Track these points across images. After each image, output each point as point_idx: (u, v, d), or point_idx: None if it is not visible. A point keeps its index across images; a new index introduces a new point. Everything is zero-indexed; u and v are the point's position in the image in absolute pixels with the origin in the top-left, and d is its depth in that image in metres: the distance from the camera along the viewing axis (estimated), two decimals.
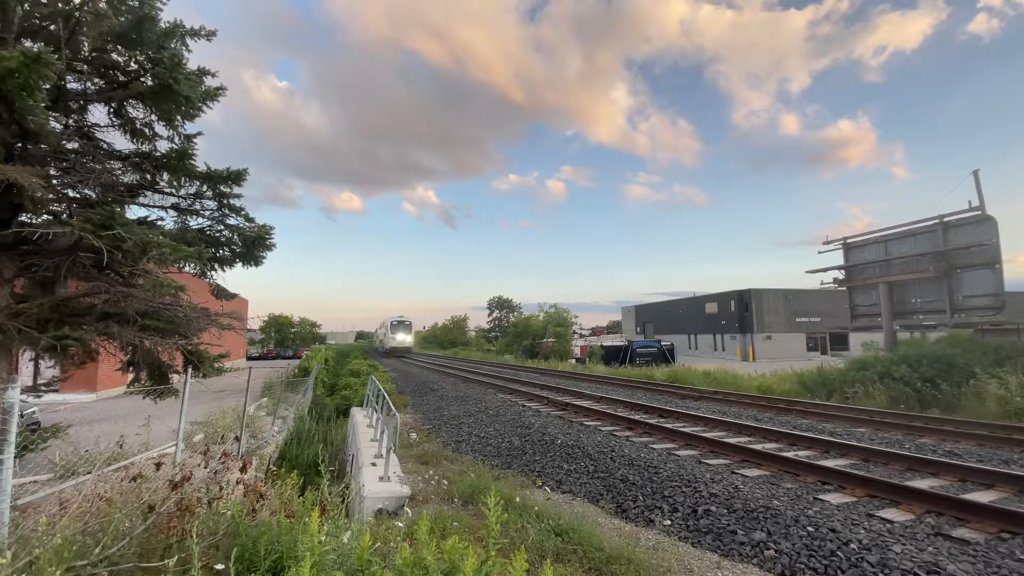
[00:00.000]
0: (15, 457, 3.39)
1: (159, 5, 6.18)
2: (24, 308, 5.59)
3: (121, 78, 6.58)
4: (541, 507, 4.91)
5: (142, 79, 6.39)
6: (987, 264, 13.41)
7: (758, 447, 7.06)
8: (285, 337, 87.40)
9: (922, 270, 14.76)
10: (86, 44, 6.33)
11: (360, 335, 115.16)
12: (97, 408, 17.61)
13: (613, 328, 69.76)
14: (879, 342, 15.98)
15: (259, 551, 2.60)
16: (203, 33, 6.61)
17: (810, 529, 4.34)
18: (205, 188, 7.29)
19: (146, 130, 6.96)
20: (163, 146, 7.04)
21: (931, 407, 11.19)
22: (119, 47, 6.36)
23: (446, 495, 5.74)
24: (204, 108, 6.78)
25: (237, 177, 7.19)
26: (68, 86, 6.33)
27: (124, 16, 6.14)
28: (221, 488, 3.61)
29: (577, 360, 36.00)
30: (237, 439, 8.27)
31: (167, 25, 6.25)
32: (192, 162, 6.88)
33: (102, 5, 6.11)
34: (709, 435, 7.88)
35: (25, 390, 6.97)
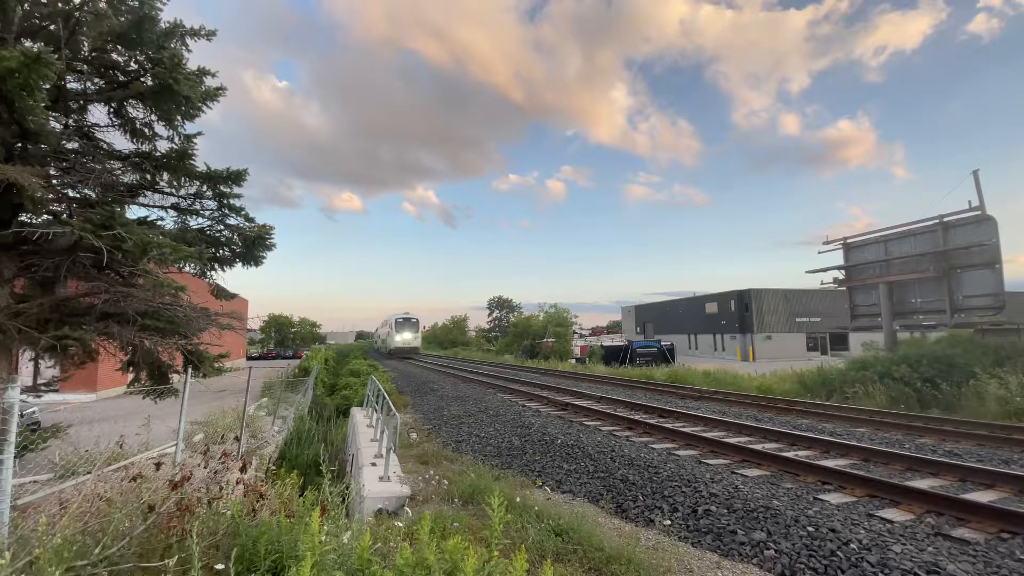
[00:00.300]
0: (15, 457, 3.39)
1: (159, 5, 6.18)
2: (24, 308, 5.59)
3: (121, 78, 6.58)
4: (541, 507, 4.91)
5: (142, 79, 6.39)
6: (987, 264, 13.41)
7: (758, 447, 7.06)
8: (285, 337, 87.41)
9: (922, 270, 14.76)
10: (86, 44, 6.33)
11: (360, 335, 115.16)
12: (97, 408, 17.62)
13: (613, 328, 69.77)
14: (879, 342, 15.98)
15: (259, 551, 2.60)
16: (203, 33, 6.61)
17: (810, 529, 4.34)
18: (205, 188, 7.29)
19: (146, 130, 6.96)
20: (163, 146, 7.04)
21: (931, 407, 11.19)
22: (119, 47, 6.36)
23: (446, 495, 5.74)
24: (204, 108, 6.79)
25: (237, 177, 7.19)
26: (68, 86, 6.33)
27: (124, 16, 6.14)
28: (221, 488, 3.61)
29: (577, 360, 36.00)
30: (237, 439, 8.27)
31: (167, 25, 6.25)
32: (192, 162, 6.88)
33: (102, 5, 6.12)
34: (709, 435, 7.88)
35: (25, 390, 6.97)
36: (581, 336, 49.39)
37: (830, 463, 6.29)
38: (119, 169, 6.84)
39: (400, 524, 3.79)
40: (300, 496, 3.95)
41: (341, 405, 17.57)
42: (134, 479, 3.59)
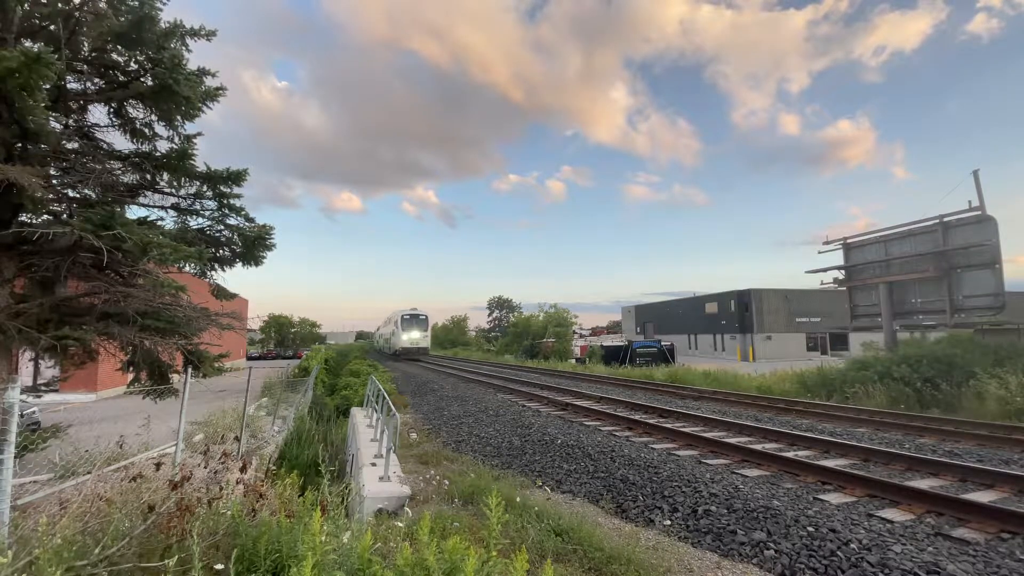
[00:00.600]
0: (15, 457, 3.39)
1: (159, 5, 6.18)
2: (24, 308, 5.59)
3: (121, 78, 6.58)
4: (541, 507, 4.91)
5: (142, 79, 6.39)
6: (987, 264, 13.41)
7: (758, 447, 7.06)
8: (285, 337, 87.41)
9: (922, 270, 14.76)
10: (86, 44, 6.33)
11: (360, 335, 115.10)
12: (97, 408, 17.62)
13: (613, 328, 69.73)
14: (879, 342, 15.97)
15: (259, 551, 2.60)
16: (203, 33, 6.61)
17: (810, 529, 4.34)
18: (205, 188, 7.30)
19: (146, 130, 6.96)
20: (163, 146, 7.05)
21: (931, 407, 11.19)
22: (119, 47, 6.37)
23: (446, 495, 5.75)
24: (204, 108, 6.79)
25: (237, 177, 7.19)
26: (68, 86, 6.33)
27: (124, 16, 6.14)
28: (221, 488, 3.61)
29: (577, 360, 36.00)
30: (237, 439, 8.27)
31: (167, 25, 6.25)
32: (192, 162, 6.88)
33: (102, 5, 6.12)
34: (709, 435, 7.88)
35: (25, 390, 6.97)
36: (581, 336, 49.34)
37: (830, 463, 6.29)
38: (119, 169, 6.85)
39: (400, 524, 3.79)
40: (300, 496, 3.96)
41: (341, 405, 17.58)
42: (134, 479, 3.59)
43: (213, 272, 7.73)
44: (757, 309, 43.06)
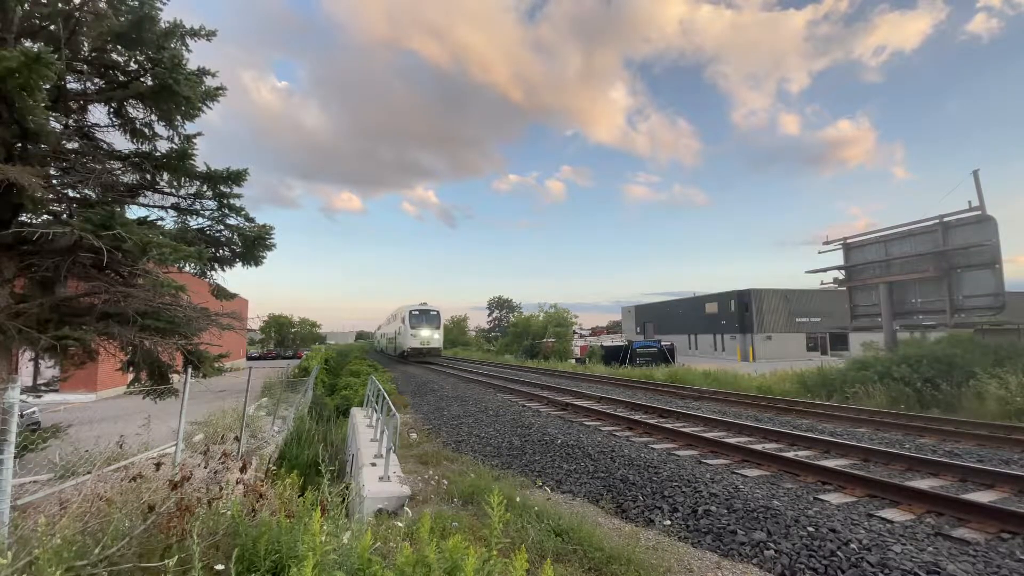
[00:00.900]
0: (15, 457, 3.39)
1: (159, 5, 6.19)
2: (24, 308, 5.59)
3: (121, 78, 6.58)
4: (541, 507, 4.91)
5: (142, 79, 6.39)
6: (987, 264, 13.41)
7: (758, 447, 7.06)
8: (285, 337, 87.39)
9: (922, 270, 14.76)
10: (86, 44, 6.33)
11: (360, 335, 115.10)
12: (97, 408, 17.62)
13: (613, 328, 69.73)
14: (879, 342, 15.97)
15: (259, 551, 2.60)
16: (203, 33, 6.62)
17: (810, 529, 4.34)
18: (205, 188, 7.30)
19: (146, 130, 6.97)
20: (163, 146, 7.05)
21: (931, 407, 11.19)
22: (119, 47, 6.37)
23: (446, 495, 5.74)
24: (204, 108, 6.79)
25: (237, 177, 7.19)
26: (68, 86, 6.34)
27: (124, 16, 6.14)
28: (221, 488, 3.61)
29: (577, 360, 36.00)
30: (237, 439, 8.27)
31: (167, 25, 6.25)
32: (192, 162, 6.88)
33: (102, 5, 6.12)
34: (709, 435, 7.88)
35: (25, 390, 6.97)
36: (581, 336, 49.32)
37: (830, 463, 6.29)
38: (119, 169, 6.85)
39: (400, 524, 3.79)
40: (300, 496, 3.95)
41: (341, 405, 17.57)
42: (134, 479, 3.59)
43: (213, 272, 7.73)
44: (757, 309, 43.07)
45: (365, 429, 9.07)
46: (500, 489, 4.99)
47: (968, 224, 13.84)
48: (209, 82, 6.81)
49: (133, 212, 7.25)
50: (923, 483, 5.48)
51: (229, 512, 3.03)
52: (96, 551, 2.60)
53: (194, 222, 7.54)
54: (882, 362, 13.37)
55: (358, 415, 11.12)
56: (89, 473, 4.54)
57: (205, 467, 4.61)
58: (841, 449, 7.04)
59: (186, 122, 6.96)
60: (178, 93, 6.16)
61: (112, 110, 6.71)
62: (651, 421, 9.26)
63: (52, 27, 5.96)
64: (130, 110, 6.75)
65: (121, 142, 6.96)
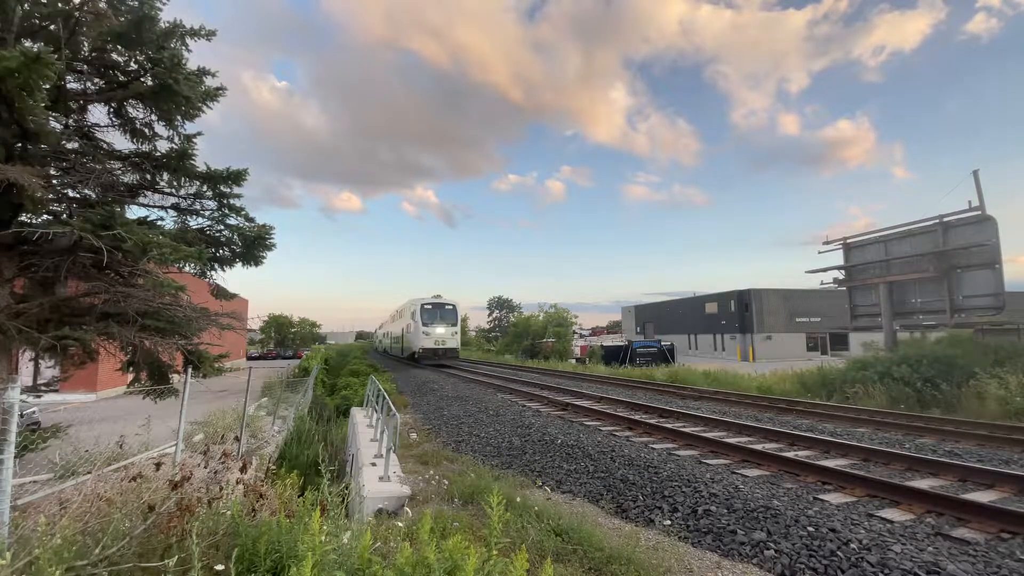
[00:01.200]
0: (15, 457, 3.39)
1: (159, 5, 6.19)
2: (24, 308, 5.59)
3: (121, 78, 6.58)
4: (541, 507, 4.91)
5: (142, 79, 6.39)
6: (987, 264, 13.41)
7: (758, 447, 7.06)
8: (285, 337, 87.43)
9: (922, 270, 14.75)
10: (86, 44, 6.34)
11: (360, 335, 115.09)
12: (97, 408, 17.62)
13: (613, 328, 69.77)
14: (879, 342, 15.97)
15: (259, 551, 2.60)
16: (203, 33, 6.62)
17: (810, 529, 4.34)
18: (205, 188, 7.31)
19: (146, 130, 6.97)
20: (163, 146, 7.06)
21: (931, 407, 11.18)
22: (119, 47, 6.37)
23: (446, 495, 5.74)
24: (204, 108, 6.80)
25: (237, 177, 7.20)
26: (68, 86, 6.34)
27: (124, 16, 6.15)
28: (221, 488, 3.61)
29: (577, 360, 36.01)
30: (237, 439, 8.27)
31: (167, 25, 6.26)
32: (192, 162, 6.89)
33: (102, 5, 6.12)
34: (709, 435, 7.88)
35: (25, 390, 6.97)
36: (581, 336, 49.34)
37: (830, 463, 6.29)
38: (119, 169, 6.85)
39: (400, 524, 3.79)
40: (300, 496, 3.95)
41: (341, 405, 17.57)
42: (134, 479, 3.59)
43: (213, 272, 7.74)
44: (757, 309, 43.07)
45: (365, 429, 9.07)
46: (500, 489, 4.99)
47: (968, 224, 13.83)
48: (209, 82, 6.81)
49: (133, 212, 7.27)
50: (923, 483, 5.47)
51: (229, 512, 3.03)
52: (96, 551, 2.60)
53: (194, 222, 7.54)
54: (882, 362, 13.37)
55: (358, 415, 11.12)
56: (89, 473, 4.54)
57: (205, 467, 4.61)
58: (841, 449, 7.04)
59: (186, 122, 6.97)
60: (178, 93, 6.17)
61: (112, 110, 6.71)
62: (651, 421, 9.26)
63: (52, 27, 5.96)
64: (130, 110, 6.75)
65: (121, 142, 6.98)
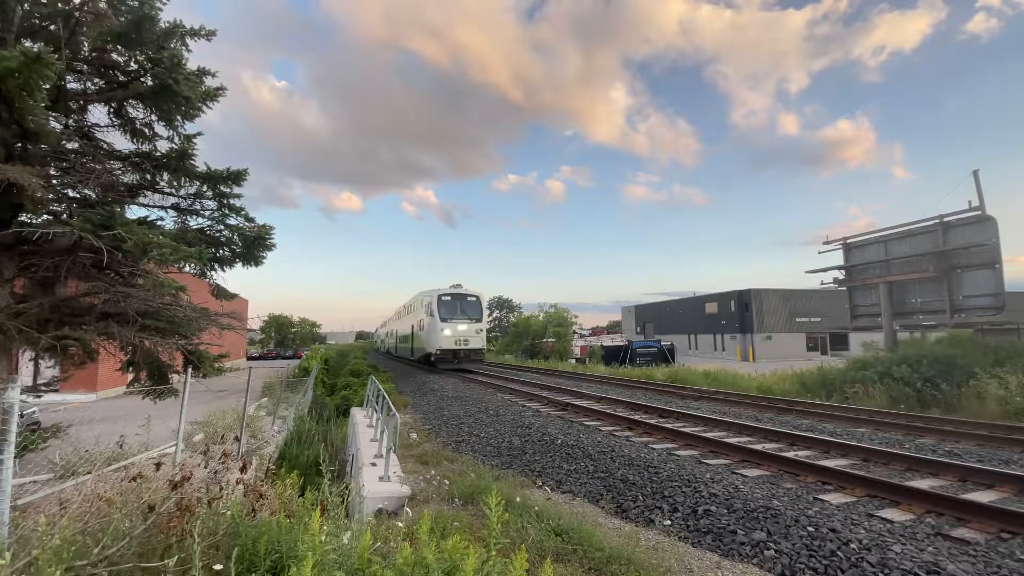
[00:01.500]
0: (15, 457, 3.39)
1: (159, 5, 6.19)
2: (24, 308, 5.59)
3: (121, 78, 6.58)
4: (541, 507, 4.91)
5: (142, 79, 6.39)
6: (987, 264, 13.41)
7: (758, 447, 7.06)
8: (285, 337, 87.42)
9: (922, 270, 14.75)
10: (86, 44, 6.34)
11: (360, 335, 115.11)
12: (97, 408, 17.62)
13: (613, 328, 69.76)
14: (879, 342, 15.97)
15: (259, 551, 2.60)
16: (203, 33, 6.62)
17: (810, 529, 4.34)
18: (205, 188, 7.31)
19: (146, 130, 6.97)
20: (163, 146, 7.06)
21: (931, 407, 11.18)
22: (119, 47, 6.37)
23: (446, 495, 5.74)
24: (204, 108, 6.80)
25: (237, 177, 7.20)
26: (68, 86, 6.34)
27: (124, 16, 6.15)
28: (221, 488, 3.61)
29: (577, 360, 36.00)
30: (237, 439, 8.27)
31: (167, 25, 6.26)
32: (192, 162, 6.89)
33: (102, 5, 6.12)
34: (709, 435, 7.88)
35: (25, 390, 6.97)
36: (581, 336, 49.31)
37: (830, 463, 6.29)
38: (119, 169, 6.85)
39: (400, 524, 3.79)
40: (300, 496, 3.96)
41: (341, 405, 17.57)
42: (134, 479, 3.59)
43: (213, 272, 7.74)
44: (757, 309, 43.07)
45: (365, 429, 9.07)
46: (500, 489, 5.00)
47: (968, 224, 13.83)
48: (209, 82, 6.81)
49: (133, 212, 7.27)
50: (923, 483, 5.47)
51: (229, 512, 3.03)
52: (96, 551, 2.60)
53: (194, 222, 7.54)
54: (882, 362, 13.36)
55: (358, 415, 11.12)
56: (89, 473, 4.54)
57: (205, 467, 4.60)
58: (841, 449, 7.04)
59: (186, 122, 6.97)
60: (178, 93, 6.17)
61: (112, 110, 6.71)
62: (651, 421, 9.26)
63: (52, 27, 5.96)
64: (130, 110, 6.75)
65: (121, 142, 6.98)
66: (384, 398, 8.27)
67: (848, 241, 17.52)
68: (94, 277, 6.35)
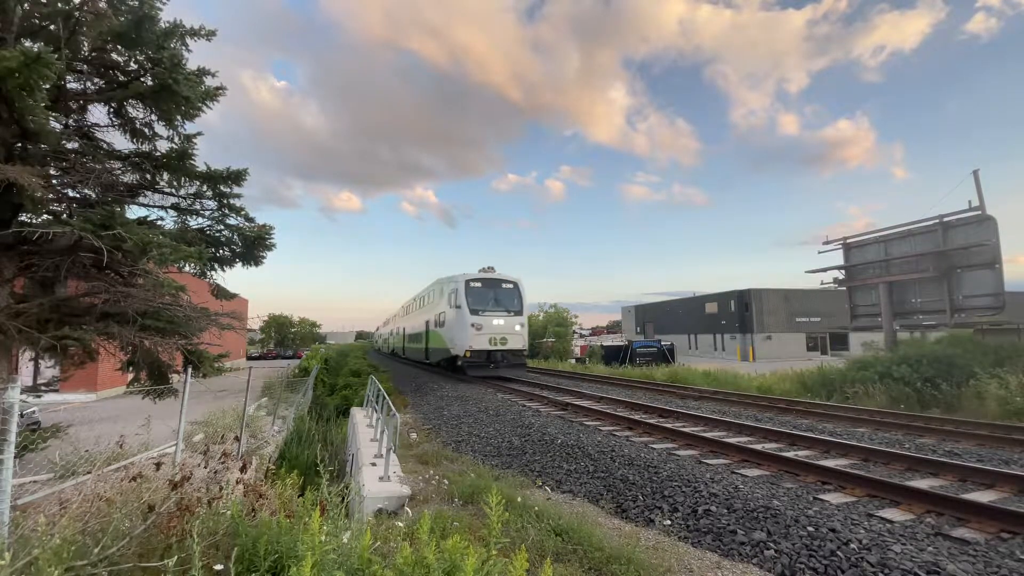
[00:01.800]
0: (15, 457, 3.39)
1: (159, 5, 6.19)
2: (24, 308, 5.59)
3: (121, 78, 6.58)
4: (541, 507, 4.91)
5: (142, 79, 6.39)
6: (987, 264, 13.41)
7: (758, 447, 7.06)
8: (285, 337, 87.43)
9: (922, 270, 14.75)
10: (86, 44, 6.33)
11: (360, 335, 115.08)
12: (97, 408, 17.62)
13: (613, 328, 69.76)
14: (879, 342, 15.97)
15: (259, 551, 2.60)
16: (203, 33, 6.62)
17: (810, 529, 4.33)
18: (205, 188, 7.31)
19: (146, 130, 6.97)
20: (163, 146, 7.06)
21: (931, 407, 11.19)
22: (119, 47, 6.37)
23: (446, 495, 5.74)
24: (204, 108, 6.79)
25: (237, 177, 7.20)
26: (68, 86, 6.34)
27: (124, 16, 6.14)
28: (221, 488, 3.61)
29: (577, 360, 36.00)
30: (237, 439, 8.27)
31: (167, 25, 6.25)
32: (192, 162, 6.89)
33: (102, 5, 6.12)
34: (709, 435, 7.88)
35: (25, 390, 6.97)
36: (581, 336, 49.31)
37: (830, 463, 6.29)
38: (119, 169, 6.85)
39: (400, 524, 3.79)
40: (300, 496, 3.96)
41: (341, 405, 17.57)
42: (134, 479, 3.59)
43: (213, 272, 7.74)
44: (757, 309, 43.06)
45: (365, 429, 9.07)
46: (500, 489, 4.99)
47: (968, 224, 13.83)
48: (209, 82, 6.81)
49: (133, 212, 7.27)
50: (923, 483, 5.47)
51: (229, 512, 3.03)
52: (96, 551, 2.60)
53: (194, 222, 7.54)
54: (882, 362, 13.37)
55: (358, 415, 11.12)
56: (89, 473, 4.54)
57: (205, 467, 4.61)
58: (841, 449, 7.04)
59: (186, 122, 6.96)
60: (178, 93, 6.17)
61: (112, 110, 6.71)
62: (651, 421, 9.26)
63: (52, 27, 5.96)
64: (130, 110, 6.75)
65: (121, 142, 6.98)
66: (384, 398, 8.27)
67: (848, 241, 17.52)
68: (94, 277, 6.35)
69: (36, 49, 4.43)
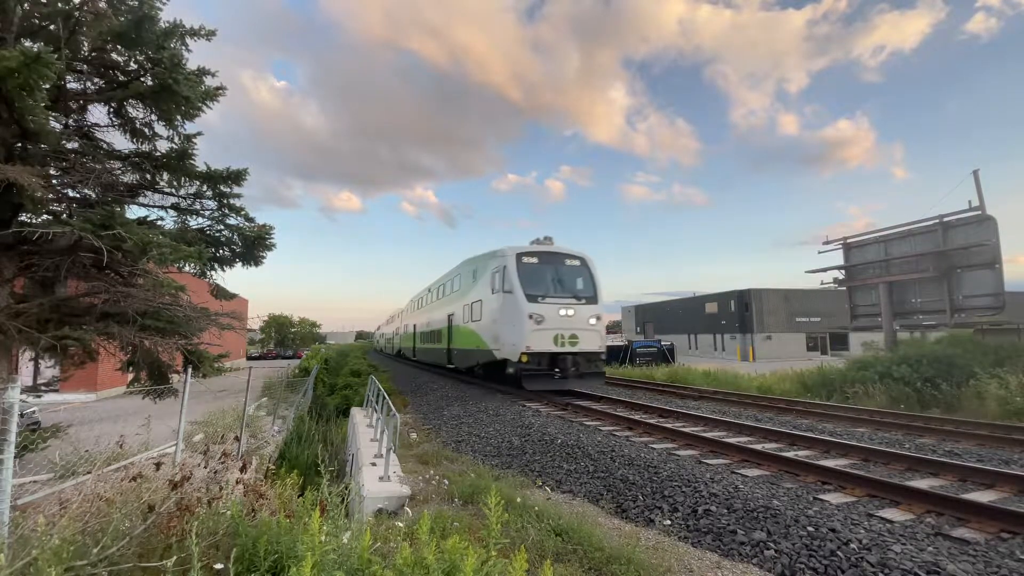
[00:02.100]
0: (15, 457, 3.39)
1: (159, 5, 6.19)
2: (24, 308, 5.59)
3: (121, 78, 6.59)
4: (541, 507, 4.90)
5: (142, 79, 6.39)
6: (987, 264, 13.41)
7: (758, 447, 7.06)
8: (285, 337, 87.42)
9: (922, 270, 14.75)
10: (86, 44, 6.34)
11: (360, 335, 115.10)
12: (97, 408, 17.62)
13: (613, 328, 69.71)
14: (879, 342, 15.97)
15: (259, 551, 2.60)
16: (203, 33, 6.62)
17: (810, 529, 4.33)
18: (205, 188, 7.31)
19: (146, 130, 6.97)
20: (163, 146, 7.06)
21: (931, 407, 11.18)
22: (119, 47, 6.37)
23: (446, 495, 5.74)
24: (204, 108, 6.79)
25: (237, 177, 7.20)
26: (68, 86, 6.34)
27: (124, 16, 6.14)
28: (221, 488, 3.61)
29: None
30: (237, 439, 8.27)
31: (167, 25, 6.26)
32: (192, 162, 6.89)
33: (102, 5, 6.12)
34: (709, 435, 7.88)
35: (25, 390, 6.97)
36: None
37: (830, 463, 6.29)
38: (119, 169, 6.85)
39: (400, 524, 3.79)
40: (300, 496, 3.95)
41: (341, 405, 17.55)
42: (134, 479, 3.59)
43: (213, 272, 7.74)
44: (757, 309, 43.04)
45: (365, 429, 9.07)
46: (500, 489, 4.99)
47: (968, 224, 13.83)
48: (209, 82, 6.81)
49: (133, 212, 7.27)
50: (923, 483, 5.47)
51: (229, 512, 3.03)
52: (96, 551, 2.60)
53: (194, 222, 7.54)
54: (882, 362, 13.36)
55: (358, 415, 11.12)
56: (89, 473, 4.54)
57: (205, 467, 4.60)
58: (841, 449, 7.04)
59: (186, 122, 6.97)
60: (178, 93, 6.17)
61: (112, 110, 6.71)
62: (651, 421, 9.26)
63: (52, 27, 5.96)
64: (130, 110, 6.75)
65: (121, 142, 6.98)
66: (384, 398, 8.27)
67: (848, 241, 17.52)
68: (94, 277, 6.35)
69: (36, 49, 4.43)
